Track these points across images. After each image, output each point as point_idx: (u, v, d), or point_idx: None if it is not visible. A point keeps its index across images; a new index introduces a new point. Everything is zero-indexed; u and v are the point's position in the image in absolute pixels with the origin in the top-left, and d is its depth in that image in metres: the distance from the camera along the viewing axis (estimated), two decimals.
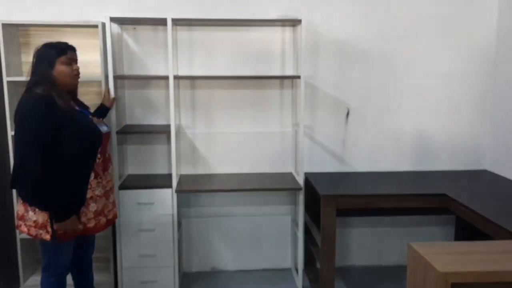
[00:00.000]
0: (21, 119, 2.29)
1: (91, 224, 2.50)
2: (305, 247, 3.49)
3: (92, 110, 2.80)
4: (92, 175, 2.46)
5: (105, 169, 2.56)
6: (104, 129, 2.60)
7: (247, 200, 3.64)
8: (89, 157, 2.45)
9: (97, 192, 2.50)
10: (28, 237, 3.11)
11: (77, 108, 2.50)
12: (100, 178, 2.52)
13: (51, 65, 2.38)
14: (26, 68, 3.22)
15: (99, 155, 2.50)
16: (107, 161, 2.60)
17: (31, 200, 2.35)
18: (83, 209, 2.45)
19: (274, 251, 3.67)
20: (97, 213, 2.52)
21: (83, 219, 2.46)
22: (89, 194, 2.46)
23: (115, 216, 2.74)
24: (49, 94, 2.31)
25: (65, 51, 2.42)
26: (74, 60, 2.48)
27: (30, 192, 2.31)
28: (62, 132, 2.29)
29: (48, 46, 2.42)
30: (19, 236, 3.13)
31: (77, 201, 2.42)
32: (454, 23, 3.50)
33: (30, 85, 2.36)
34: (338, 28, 3.45)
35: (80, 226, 2.45)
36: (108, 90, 3.04)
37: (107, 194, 2.59)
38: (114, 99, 3.05)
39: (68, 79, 2.43)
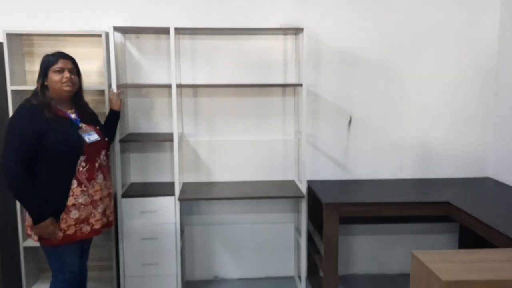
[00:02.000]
0: (8, 125, 2.43)
1: (71, 231, 2.48)
2: (308, 255, 3.47)
3: (101, 118, 2.85)
4: (75, 183, 2.46)
5: (90, 178, 2.52)
6: (92, 138, 2.55)
7: (249, 208, 3.63)
8: (67, 165, 2.45)
9: (80, 200, 2.49)
10: (31, 245, 3.14)
11: (72, 116, 2.55)
12: (85, 186, 2.50)
13: (46, 75, 2.50)
14: (30, 77, 3.25)
15: (83, 164, 2.48)
16: (94, 170, 2.54)
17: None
18: (63, 215, 2.45)
19: (276, 259, 3.66)
20: (79, 221, 2.50)
21: (63, 225, 2.45)
22: (71, 201, 2.46)
23: (104, 226, 2.67)
24: (40, 103, 2.44)
25: (57, 60, 2.50)
26: (67, 68, 2.51)
27: (13, 193, 2.42)
28: (43, 139, 2.38)
29: (45, 56, 2.55)
30: (22, 244, 3.13)
31: (55, 206, 2.44)
32: (456, 32, 3.51)
33: (31, 95, 2.53)
34: (340, 37, 3.46)
35: (60, 233, 2.45)
36: (112, 92, 3.01)
37: (94, 203, 2.55)
38: (120, 100, 3.03)
39: (58, 87, 2.49)
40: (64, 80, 2.49)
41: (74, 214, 2.48)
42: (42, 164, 2.40)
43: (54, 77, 2.48)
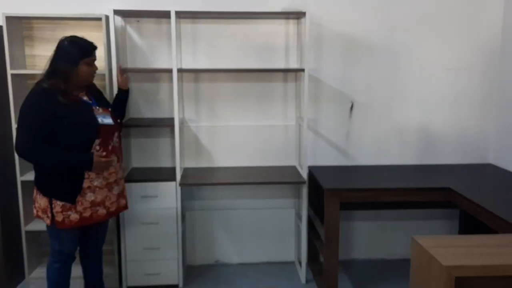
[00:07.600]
0: (21, 110, 2.41)
1: (87, 213, 2.52)
2: (309, 241, 3.49)
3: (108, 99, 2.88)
4: None
5: None
6: (106, 121, 2.57)
7: (250, 193, 3.64)
8: (82, 149, 2.47)
9: (96, 183, 2.52)
10: (33, 229, 3.15)
11: (87, 100, 2.56)
12: None
13: (75, 64, 2.44)
14: (29, 61, 3.23)
15: (97, 147, 2.51)
16: (108, 153, 2.57)
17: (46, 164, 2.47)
18: (79, 198, 2.48)
19: (277, 244, 3.67)
20: (95, 204, 2.54)
21: (79, 208, 2.49)
22: (86, 183, 2.49)
23: (120, 208, 2.74)
24: (54, 87, 2.39)
25: (90, 53, 2.50)
26: (95, 60, 2.56)
27: (48, 166, 2.45)
28: (58, 123, 2.38)
29: (75, 44, 2.47)
30: (24, 228, 3.14)
31: (71, 188, 2.47)
32: (460, 16, 3.47)
33: (41, 78, 2.46)
34: (343, 21, 3.43)
35: (76, 216, 2.48)
36: (120, 70, 3.00)
37: (109, 186, 2.60)
38: (126, 78, 3.01)
39: (85, 78, 2.51)
40: (93, 73, 2.54)
41: (90, 196, 2.51)
42: (59, 148, 2.42)
43: (85, 69, 2.48)
